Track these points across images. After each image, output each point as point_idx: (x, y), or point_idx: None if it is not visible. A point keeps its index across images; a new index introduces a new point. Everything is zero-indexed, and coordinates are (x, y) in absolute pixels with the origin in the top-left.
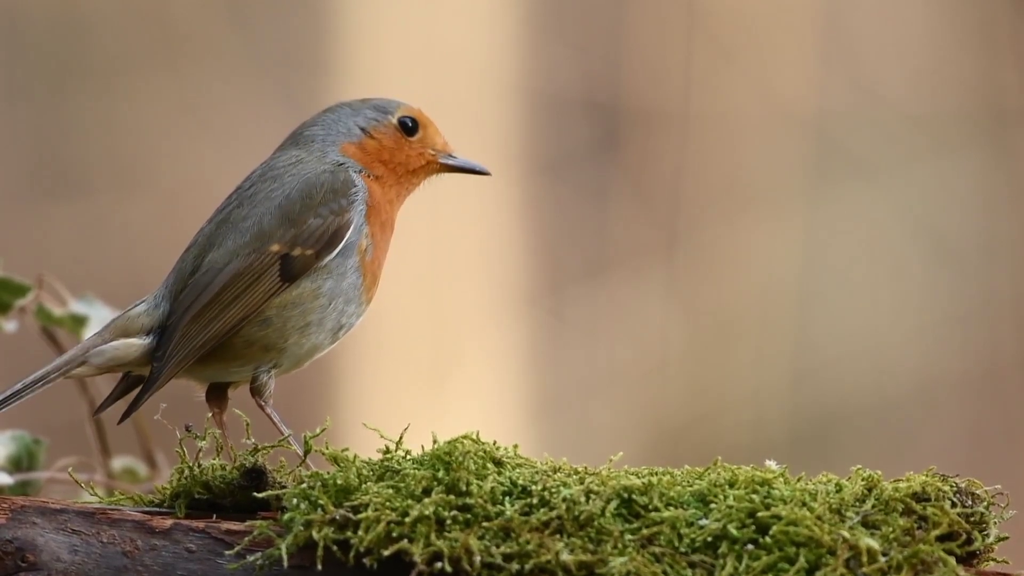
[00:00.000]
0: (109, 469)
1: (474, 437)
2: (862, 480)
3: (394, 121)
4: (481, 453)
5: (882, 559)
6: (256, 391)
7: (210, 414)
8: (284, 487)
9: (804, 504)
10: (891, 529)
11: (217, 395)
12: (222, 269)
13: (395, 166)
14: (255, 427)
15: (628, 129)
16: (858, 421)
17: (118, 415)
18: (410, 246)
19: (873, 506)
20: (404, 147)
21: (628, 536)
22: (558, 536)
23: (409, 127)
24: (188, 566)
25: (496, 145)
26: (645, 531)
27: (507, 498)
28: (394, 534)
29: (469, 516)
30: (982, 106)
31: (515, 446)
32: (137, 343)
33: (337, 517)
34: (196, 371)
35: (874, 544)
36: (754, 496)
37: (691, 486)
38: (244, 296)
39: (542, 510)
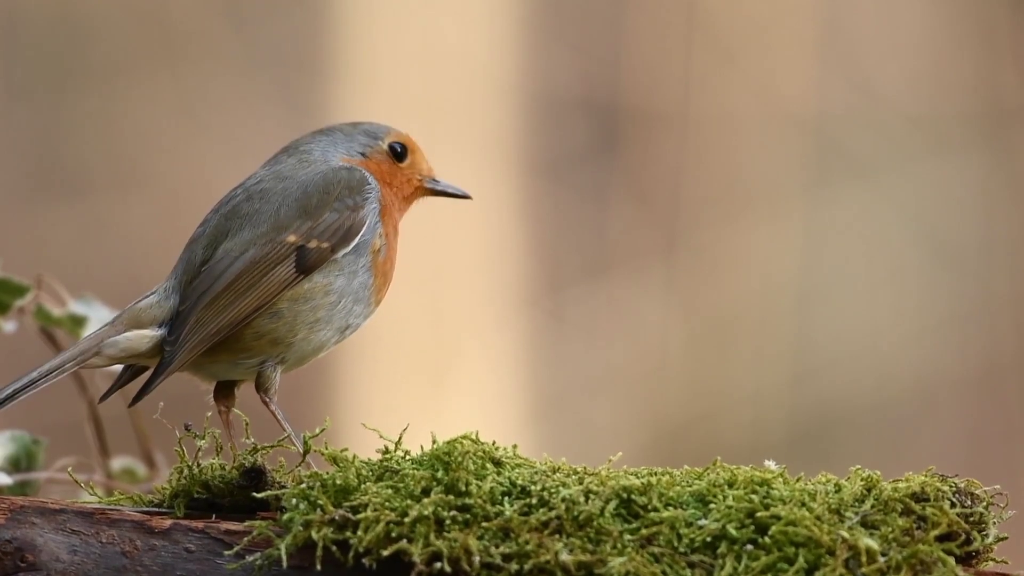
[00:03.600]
0: (108, 469)
1: (473, 437)
2: (861, 480)
3: (385, 147)
4: (480, 453)
5: (881, 559)
6: (261, 387)
7: (209, 414)
8: (283, 487)
9: (803, 504)
10: (890, 529)
11: (224, 393)
12: (238, 257)
13: (392, 189)
14: (254, 426)
15: (628, 130)
16: (858, 421)
17: (117, 415)
18: (410, 247)
19: (872, 506)
20: (396, 173)
21: (627, 536)
22: (557, 536)
23: (399, 152)
24: (187, 566)
25: (495, 146)
26: (644, 531)
27: (506, 498)
28: (393, 534)
29: (468, 516)
30: (982, 107)
31: (514, 446)
32: (149, 334)
33: (336, 517)
34: (204, 365)
35: (873, 544)
36: (753, 496)
37: (690, 486)
38: (259, 285)
39: (541, 510)
